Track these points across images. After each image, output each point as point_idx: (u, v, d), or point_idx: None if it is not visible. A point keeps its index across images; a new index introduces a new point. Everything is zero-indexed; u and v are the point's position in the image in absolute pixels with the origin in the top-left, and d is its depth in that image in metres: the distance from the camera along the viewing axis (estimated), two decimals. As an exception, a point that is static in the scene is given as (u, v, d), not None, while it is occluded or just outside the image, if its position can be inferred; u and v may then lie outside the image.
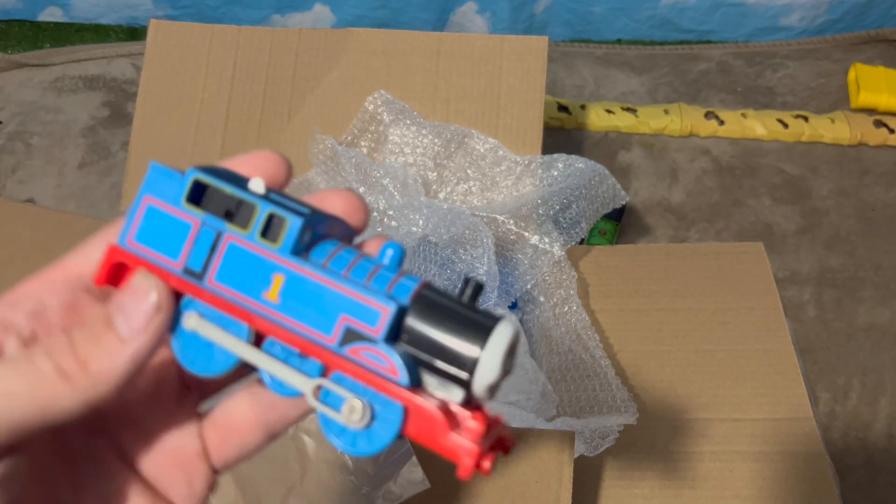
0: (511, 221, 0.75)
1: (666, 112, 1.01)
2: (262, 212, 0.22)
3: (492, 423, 0.22)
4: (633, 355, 0.72)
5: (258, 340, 0.23)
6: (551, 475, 0.54)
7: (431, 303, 0.22)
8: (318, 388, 0.22)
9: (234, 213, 0.23)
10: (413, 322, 0.22)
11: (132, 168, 0.80)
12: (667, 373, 0.71)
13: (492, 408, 0.26)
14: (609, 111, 1.01)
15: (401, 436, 0.22)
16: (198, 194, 0.23)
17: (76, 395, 0.20)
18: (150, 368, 0.25)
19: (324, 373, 0.22)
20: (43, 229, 0.79)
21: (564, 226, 0.75)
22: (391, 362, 0.21)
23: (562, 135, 1.00)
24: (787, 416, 0.68)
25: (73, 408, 0.20)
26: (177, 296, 0.23)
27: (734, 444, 0.67)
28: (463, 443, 0.21)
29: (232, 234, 0.23)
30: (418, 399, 0.21)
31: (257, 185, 0.23)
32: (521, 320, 0.74)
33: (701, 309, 0.74)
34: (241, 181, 0.23)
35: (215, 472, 0.25)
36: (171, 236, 0.23)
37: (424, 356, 0.22)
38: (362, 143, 0.80)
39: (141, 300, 0.21)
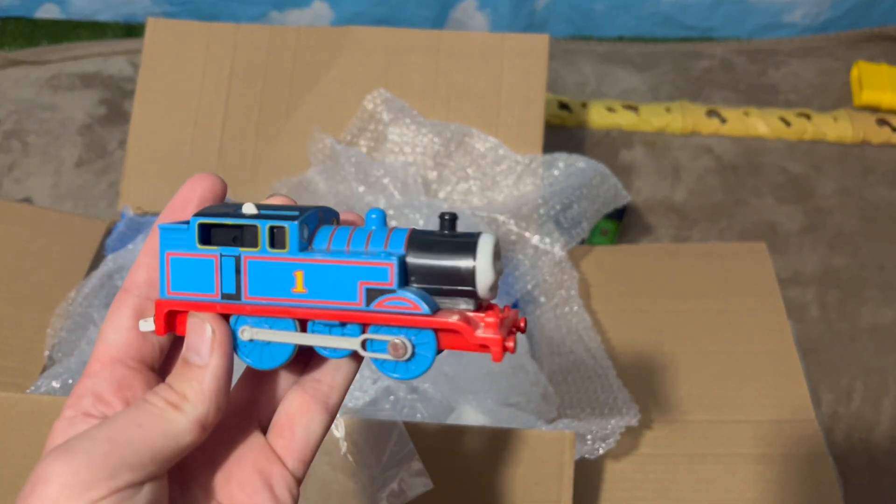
0: (512, 221, 0.74)
1: (668, 110, 1.00)
2: (263, 228, 0.27)
3: (503, 314, 0.27)
4: (634, 356, 0.71)
5: (302, 326, 0.28)
6: (552, 477, 0.54)
7: (422, 243, 0.27)
8: (364, 341, 0.28)
9: (240, 238, 0.28)
10: (413, 262, 0.27)
11: (130, 166, 0.79)
12: (669, 374, 0.70)
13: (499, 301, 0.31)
14: (610, 109, 1.01)
15: (440, 351, 0.27)
16: (206, 234, 0.28)
17: (187, 417, 0.26)
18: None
19: (363, 331, 0.28)
20: (40, 229, 0.78)
21: (565, 226, 0.75)
22: (411, 301, 0.27)
23: (563, 133, 0.99)
24: (789, 417, 0.67)
25: (188, 427, 0.26)
26: (226, 318, 0.28)
27: (737, 446, 0.66)
28: (488, 336, 0.26)
29: (248, 255, 0.28)
30: (442, 319, 0.27)
31: (249, 208, 0.28)
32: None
33: (703, 310, 0.74)
34: (234, 211, 0.28)
35: (295, 478, 0.29)
36: (200, 275, 0.28)
37: (434, 286, 0.27)
38: (361, 142, 0.79)
39: (200, 334, 0.27)
